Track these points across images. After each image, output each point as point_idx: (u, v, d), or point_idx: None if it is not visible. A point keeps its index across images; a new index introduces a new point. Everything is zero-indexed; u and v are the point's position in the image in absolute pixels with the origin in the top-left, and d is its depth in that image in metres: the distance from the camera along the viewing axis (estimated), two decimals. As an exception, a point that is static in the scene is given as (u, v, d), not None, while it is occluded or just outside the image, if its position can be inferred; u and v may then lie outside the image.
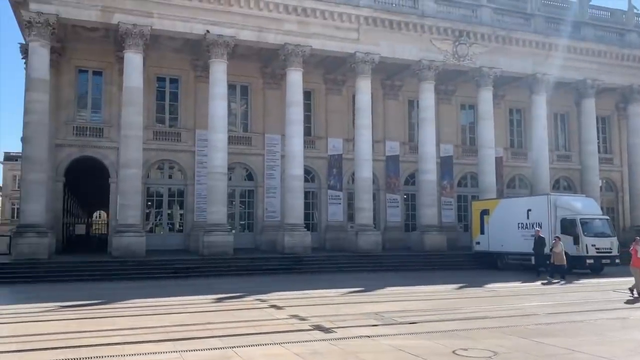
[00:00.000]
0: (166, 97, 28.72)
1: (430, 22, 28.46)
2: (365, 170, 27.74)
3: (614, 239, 23.48)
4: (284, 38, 26.04)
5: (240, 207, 30.02)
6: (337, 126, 30.84)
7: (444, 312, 12.76)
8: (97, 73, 27.64)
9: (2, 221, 71.27)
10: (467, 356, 8.31)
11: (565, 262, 21.17)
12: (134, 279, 19.93)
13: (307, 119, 29.55)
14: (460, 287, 18.27)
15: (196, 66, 28.23)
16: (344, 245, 28.21)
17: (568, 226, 23.21)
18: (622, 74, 33.22)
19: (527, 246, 23.20)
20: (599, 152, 34.24)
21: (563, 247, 21.49)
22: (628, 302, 14.70)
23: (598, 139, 34.82)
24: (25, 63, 25.92)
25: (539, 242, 22.34)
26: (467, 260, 26.88)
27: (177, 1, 24.32)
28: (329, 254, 26.88)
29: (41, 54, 22.72)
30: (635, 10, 34.66)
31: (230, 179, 27.52)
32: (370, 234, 27.19)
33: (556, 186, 35.11)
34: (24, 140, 23.17)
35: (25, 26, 22.89)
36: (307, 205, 28.65)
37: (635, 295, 15.49)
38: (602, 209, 28.32)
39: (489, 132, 30.12)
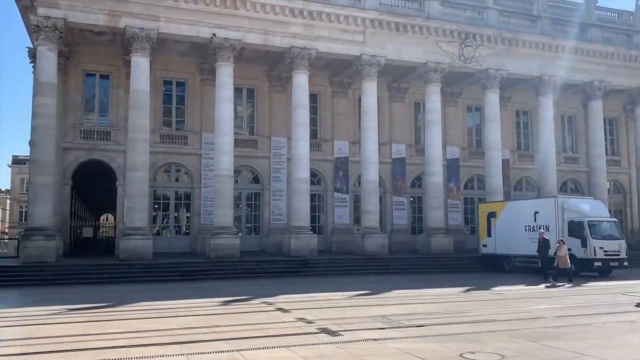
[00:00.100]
0: (173, 100, 28.82)
1: (436, 24, 28.44)
2: (371, 173, 27.71)
3: (622, 242, 23.31)
4: (290, 41, 26.10)
5: (247, 209, 30.06)
6: (343, 129, 30.85)
7: (451, 315, 12.69)
8: (104, 77, 27.82)
9: (10, 224, 71.88)
10: (474, 359, 8.26)
11: (569, 265, 20.92)
12: (141, 282, 20.00)
13: (313, 122, 29.52)
14: (468, 290, 18.18)
15: (202, 69, 28.34)
16: (350, 248, 28.18)
17: (576, 229, 23.07)
18: (629, 76, 33.06)
19: (535, 249, 22.97)
20: (606, 154, 34.02)
21: (567, 250, 21.26)
22: (638, 305, 14.55)
23: (605, 140, 34.68)
24: (33, 67, 26.11)
25: (543, 244, 22.14)
26: (474, 263, 26.79)
27: (184, 5, 24.47)
28: (335, 257, 26.85)
29: (49, 58, 22.88)
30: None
31: (236, 181, 27.62)
32: (377, 237, 27.14)
33: (563, 188, 34.88)
34: (32, 143, 23.33)
35: (33, 30, 23.07)
36: (313, 208, 28.58)
37: None
38: (609, 211, 28.04)
39: (495, 134, 30.06)
